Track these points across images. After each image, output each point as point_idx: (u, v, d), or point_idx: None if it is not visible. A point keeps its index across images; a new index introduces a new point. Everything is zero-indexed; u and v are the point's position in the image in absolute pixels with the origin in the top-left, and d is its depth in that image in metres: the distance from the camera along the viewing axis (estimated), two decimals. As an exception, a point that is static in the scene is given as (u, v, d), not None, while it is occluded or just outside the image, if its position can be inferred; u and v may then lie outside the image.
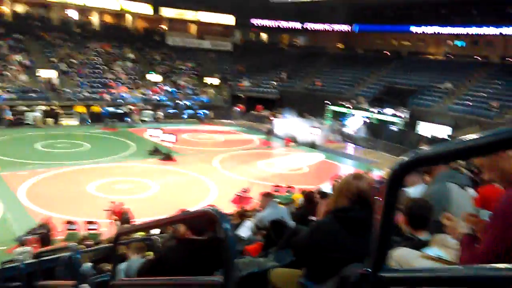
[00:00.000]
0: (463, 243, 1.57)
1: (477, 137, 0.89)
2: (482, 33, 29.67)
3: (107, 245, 6.93)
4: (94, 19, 34.98)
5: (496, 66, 29.06)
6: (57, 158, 17.85)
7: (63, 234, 10.60)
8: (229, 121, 30.76)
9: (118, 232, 3.24)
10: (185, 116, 29.80)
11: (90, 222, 10.91)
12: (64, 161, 17.47)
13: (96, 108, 26.74)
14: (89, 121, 25.92)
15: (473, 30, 29.88)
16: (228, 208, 12.18)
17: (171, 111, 29.76)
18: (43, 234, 9.80)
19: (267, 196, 6.19)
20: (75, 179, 15.46)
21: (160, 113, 28.83)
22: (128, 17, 36.20)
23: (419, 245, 2.18)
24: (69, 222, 10.85)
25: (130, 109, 27.55)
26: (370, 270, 1.09)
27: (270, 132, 24.88)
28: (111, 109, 26.97)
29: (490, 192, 3.47)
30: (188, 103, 31.17)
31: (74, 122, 25.86)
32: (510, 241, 1.29)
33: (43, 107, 25.26)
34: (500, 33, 28.71)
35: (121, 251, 5.53)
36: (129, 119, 26.60)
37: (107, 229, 10.88)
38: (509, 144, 0.90)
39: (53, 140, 20.97)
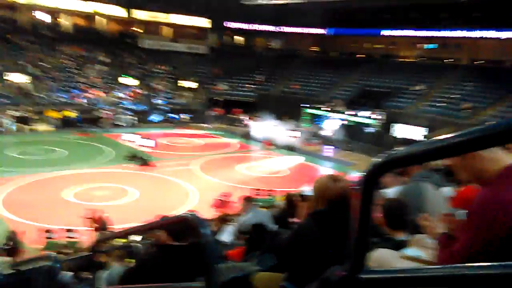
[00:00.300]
0: (440, 242, 1.61)
1: (449, 137, 0.90)
2: (451, 36, 30.49)
3: (87, 253, 6.77)
4: (65, 21, 34.14)
5: (466, 68, 29.95)
6: (32, 165, 17.37)
7: (41, 243, 10.32)
8: (206, 125, 30.60)
9: (96, 240, 3.18)
10: (156, 120, 29.41)
11: (69, 230, 10.65)
12: (39, 167, 17.00)
13: (69, 113, 26.11)
14: (61, 126, 25.30)
15: (443, 33, 30.71)
16: (209, 213, 12.12)
17: (150, 116, 29.38)
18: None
19: (248, 200, 6.18)
20: (52, 186, 15.09)
21: (135, 118, 28.42)
22: (101, 20, 35.52)
23: (398, 246, 2.22)
24: (48, 231, 10.58)
25: (101, 114, 27.00)
26: (349, 272, 1.10)
27: (246, 135, 24.87)
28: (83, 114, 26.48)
29: (467, 192, 3.56)
30: (163, 107, 30.84)
31: (47, 127, 25.16)
32: (485, 239, 1.33)
33: (15, 113, 24.45)
34: (469, 36, 29.56)
35: (102, 259, 5.42)
36: (100, 124, 26.00)
37: (86, 237, 10.64)
38: (480, 144, 0.92)
39: (26, 146, 20.36)
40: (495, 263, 0.87)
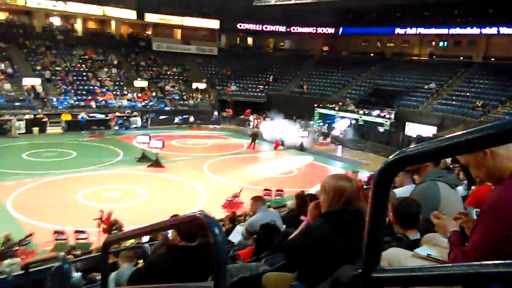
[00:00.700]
0: (452, 241, 1.58)
1: (462, 134, 0.90)
2: (464, 33, 30.17)
3: (96, 254, 6.83)
4: (78, 25, 34.60)
5: (479, 65, 29.59)
6: (44, 168, 17.56)
7: (51, 245, 10.42)
8: (216, 126, 30.69)
9: (106, 241, 3.19)
10: (176, 121, 29.65)
11: (79, 232, 10.74)
12: (51, 170, 17.20)
13: (82, 116, 26.43)
14: (74, 129, 25.60)
15: (455, 31, 30.38)
16: (219, 213, 12.15)
17: (161, 117, 29.58)
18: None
19: (257, 200, 6.15)
20: (63, 188, 15.22)
21: (148, 119, 28.67)
22: (112, 23, 35.90)
23: (410, 245, 2.19)
24: (57, 232, 10.67)
25: (113, 116, 27.23)
26: (362, 271, 1.09)
27: (255, 136, 24.82)
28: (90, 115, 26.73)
29: (482, 191, 3.51)
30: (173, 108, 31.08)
31: (59, 130, 25.50)
32: (498, 238, 1.30)
33: (28, 116, 24.83)
34: (482, 33, 29.20)
35: (112, 260, 5.45)
36: (103, 127, 26.10)
37: (96, 238, 10.73)
38: (493, 141, 0.91)
39: (39, 149, 20.65)
40: (506, 261, 0.85)
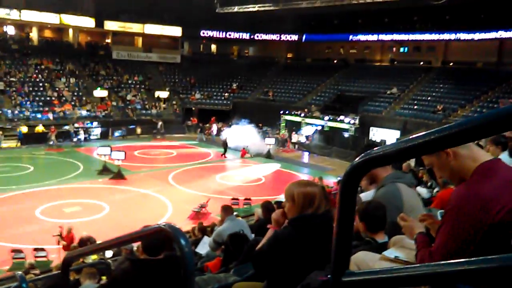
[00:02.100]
0: (419, 242, 1.61)
1: (423, 135, 0.94)
2: (423, 39, 31.29)
3: (56, 272, 6.51)
4: (33, 34, 33.25)
5: (438, 70, 30.80)
6: (-1, 183, 16.66)
7: (8, 264, 9.88)
8: (180, 135, 30.27)
9: (66, 258, 3.03)
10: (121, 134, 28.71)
11: (38, 249, 10.23)
12: (6, 186, 16.36)
13: (38, 128, 25.36)
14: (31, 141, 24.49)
15: (415, 37, 31.43)
16: (186, 225, 11.92)
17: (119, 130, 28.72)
18: None
19: (225, 209, 6.11)
20: (20, 204, 14.53)
21: (107, 130, 27.82)
22: (70, 31, 34.75)
23: (378, 248, 2.21)
24: (15, 251, 10.15)
25: (71, 128, 26.26)
26: (332, 276, 1.08)
27: (222, 144, 24.74)
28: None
29: (448, 194, 3.62)
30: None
31: (14, 143, 24.33)
32: (462, 237, 1.33)
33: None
34: (440, 39, 30.39)
35: (73, 278, 5.21)
36: (61, 139, 25.14)
37: (56, 255, 10.24)
38: (452, 141, 0.93)
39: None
40: (472, 259, 0.88)
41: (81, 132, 26.43)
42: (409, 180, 3.00)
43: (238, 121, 28.03)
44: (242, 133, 25.81)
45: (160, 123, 29.71)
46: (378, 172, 2.82)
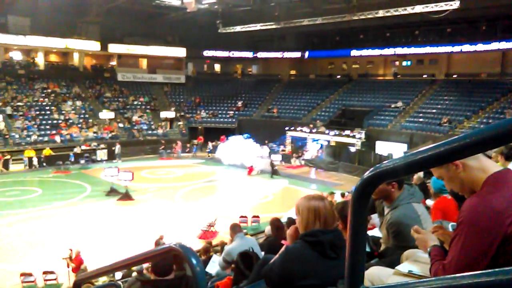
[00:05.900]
0: (433, 255, 1.59)
1: (432, 147, 0.93)
2: (426, 52, 31.29)
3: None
4: (39, 59, 33.82)
5: (442, 82, 30.74)
6: (6, 207, 16.71)
7: (18, 288, 9.83)
8: (187, 154, 30.36)
9: (76, 280, 3.02)
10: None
11: (47, 272, 10.18)
12: (15, 209, 16.40)
13: (47, 152, 25.56)
14: (37, 165, 24.63)
15: (417, 50, 31.45)
16: (195, 244, 11.85)
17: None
18: None
19: (234, 227, 6.06)
20: (28, 227, 14.52)
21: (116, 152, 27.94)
22: (75, 55, 35.35)
23: (391, 262, 2.18)
24: (24, 274, 10.10)
25: (79, 150, 26.39)
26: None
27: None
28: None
29: (443, 203, 3.60)
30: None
31: (23, 167, 24.52)
32: (475, 249, 1.31)
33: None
34: (443, 51, 30.35)
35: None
36: (68, 162, 25.19)
37: (66, 278, 10.19)
38: (461, 153, 0.93)
39: (2, 188, 19.70)
40: (488, 271, 0.86)
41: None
42: (420, 197, 2.98)
43: (244, 137, 28.11)
44: (247, 150, 25.80)
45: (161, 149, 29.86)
46: (389, 191, 2.80)
